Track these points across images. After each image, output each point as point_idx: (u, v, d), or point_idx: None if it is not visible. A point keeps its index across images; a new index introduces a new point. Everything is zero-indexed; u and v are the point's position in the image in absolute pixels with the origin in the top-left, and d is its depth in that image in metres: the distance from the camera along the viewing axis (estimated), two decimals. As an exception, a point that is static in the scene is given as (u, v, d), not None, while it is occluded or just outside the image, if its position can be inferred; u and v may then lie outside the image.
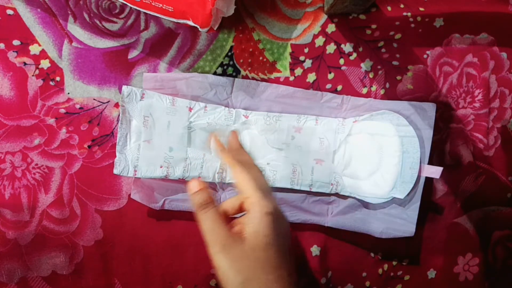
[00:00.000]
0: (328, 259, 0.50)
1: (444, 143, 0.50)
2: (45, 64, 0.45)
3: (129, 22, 0.46)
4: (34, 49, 0.45)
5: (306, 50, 0.48)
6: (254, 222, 0.33)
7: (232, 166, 0.37)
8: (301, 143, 0.47)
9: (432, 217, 0.51)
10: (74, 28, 0.45)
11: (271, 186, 0.46)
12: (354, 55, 0.48)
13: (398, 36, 0.48)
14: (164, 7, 0.40)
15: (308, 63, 0.48)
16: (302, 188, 0.47)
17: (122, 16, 0.46)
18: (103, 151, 0.46)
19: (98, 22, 0.45)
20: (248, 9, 0.47)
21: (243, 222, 0.33)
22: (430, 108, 0.47)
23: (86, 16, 0.45)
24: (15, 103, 0.45)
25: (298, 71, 0.48)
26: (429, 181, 0.49)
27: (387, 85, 0.49)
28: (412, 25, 0.48)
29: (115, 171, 0.43)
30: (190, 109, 0.45)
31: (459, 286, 0.52)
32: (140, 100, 0.44)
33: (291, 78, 0.48)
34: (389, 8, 0.48)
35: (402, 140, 0.45)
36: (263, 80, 0.48)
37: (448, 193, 0.50)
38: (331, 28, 0.48)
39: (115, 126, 0.47)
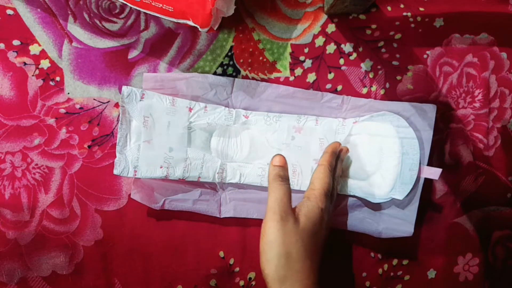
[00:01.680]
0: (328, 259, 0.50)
1: (444, 143, 0.50)
2: (45, 64, 0.45)
3: (129, 22, 0.46)
4: (34, 49, 0.45)
5: (306, 50, 0.48)
6: (309, 209, 0.38)
7: (322, 165, 0.42)
8: (301, 144, 0.47)
9: (432, 217, 0.51)
10: (74, 28, 0.45)
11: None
12: (354, 55, 0.48)
13: (398, 36, 0.48)
14: (164, 7, 0.40)
15: (308, 63, 0.48)
16: (302, 189, 0.47)
17: (122, 16, 0.46)
18: (103, 151, 0.46)
19: (98, 22, 0.45)
20: (248, 9, 0.47)
21: (299, 206, 0.38)
22: (430, 110, 0.47)
23: (86, 16, 0.45)
24: (15, 103, 0.45)
25: (298, 71, 0.48)
26: (429, 181, 0.49)
27: (387, 85, 0.49)
28: (412, 25, 0.48)
29: (115, 172, 0.43)
30: (190, 109, 0.45)
31: (459, 286, 0.52)
32: (140, 100, 0.44)
33: (291, 78, 0.48)
34: (389, 8, 0.48)
35: (402, 141, 0.45)
36: (263, 80, 0.48)
37: (448, 193, 0.50)
38: (331, 28, 0.48)
39: (115, 126, 0.47)
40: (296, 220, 0.36)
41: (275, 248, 0.35)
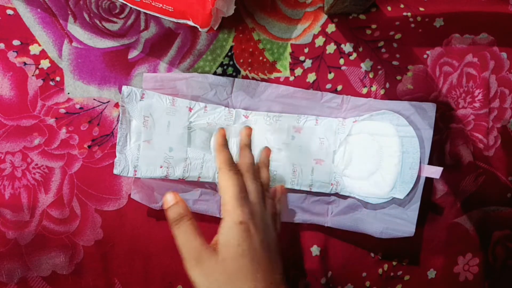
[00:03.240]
0: (328, 259, 0.50)
1: (444, 143, 0.50)
2: (45, 64, 0.45)
3: (129, 22, 0.46)
4: (34, 49, 0.45)
5: (306, 50, 0.48)
6: (225, 232, 0.32)
7: (218, 168, 0.36)
8: (301, 143, 0.47)
9: (432, 217, 0.51)
10: (74, 28, 0.45)
11: (272, 186, 0.46)
12: (354, 55, 0.48)
13: (398, 36, 0.48)
14: (164, 7, 0.40)
15: (308, 63, 0.48)
16: (302, 188, 0.47)
17: (122, 16, 0.46)
18: (103, 151, 0.46)
19: (98, 22, 0.45)
20: (248, 9, 0.47)
21: (218, 233, 0.33)
22: (430, 108, 0.47)
23: (86, 16, 0.45)
24: (15, 103, 0.45)
25: (298, 71, 0.48)
26: (429, 181, 0.49)
27: (387, 85, 0.49)
28: (412, 25, 0.48)
29: (115, 171, 0.43)
30: (190, 109, 0.45)
31: (459, 286, 0.52)
32: (140, 100, 0.44)
33: (291, 78, 0.48)
34: (389, 8, 0.48)
35: (402, 140, 0.45)
36: (263, 80, 0.48)
37: (448, 193, 0.50)
38: (331, 28, 0.48)
39: (115, 126, 0.47)
40: (212, 254, 0.31)
41: None
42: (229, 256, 0.31)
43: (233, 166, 0.36)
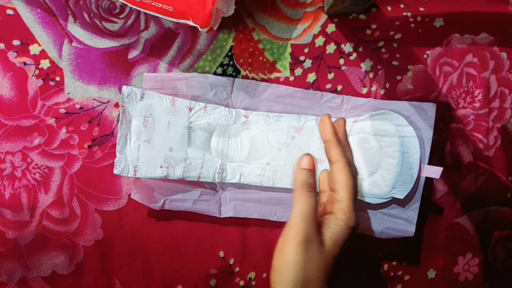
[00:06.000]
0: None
1: (444, 143, 0.50)
2: (45, 64, 0.45)
3: (129, 22, 0.46)
4: (34, 49, 0.45)
5: (306, 50, 0.48)
6: (337, 230, 0.32)
7: (336, 161, 0.34)
8: (301, 143, 0.47)
9: (432, 217, 0.51)
10: (74, 28, 0.45)
11: (272, 186, 0.47)
12: (354, 55, 0.48)
13: (398, 36, 0.48)
14: (164, 7, 0.40)
15: (308, 63, 0.48)
16: (302, 188, 0.46)
17: (122, 16, 0.46)
18: (103, 151, 0.47)
19: (98, 22, 0.45)
20: (248, 9, 0.47)
21: (326, 226, 0.33)
22: (430, 108, 0.47)
23: (86, 16, 0.45)
24: (15, 103, 0.45)
25: (298, 71, 0.48)
26: (429, 181, 0.49)
27: (387, 85, 0.49)
28: (412, 25, 0.48)
29: (115, 171, 0.43)
30: (190, 109, 0.45)
31: (459, 286, 0.52)
32: (140, 100, 0.44)
33: (291, 78, 0.48)
34: (389, 8, 0.48)
35: (402, 140, 0.45)
36: (263, 80, 0.48)
37: (448, 193, 0.50)
38: (331, 28, 0.48)
39: (115, 126, 0.47)
40: (321, 243, 0.32)
41: (293, 272, 0.31)
42: (332, 256, 0.32)
43: (352, 164, 0.35)
